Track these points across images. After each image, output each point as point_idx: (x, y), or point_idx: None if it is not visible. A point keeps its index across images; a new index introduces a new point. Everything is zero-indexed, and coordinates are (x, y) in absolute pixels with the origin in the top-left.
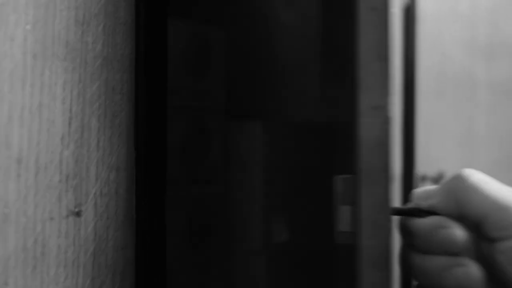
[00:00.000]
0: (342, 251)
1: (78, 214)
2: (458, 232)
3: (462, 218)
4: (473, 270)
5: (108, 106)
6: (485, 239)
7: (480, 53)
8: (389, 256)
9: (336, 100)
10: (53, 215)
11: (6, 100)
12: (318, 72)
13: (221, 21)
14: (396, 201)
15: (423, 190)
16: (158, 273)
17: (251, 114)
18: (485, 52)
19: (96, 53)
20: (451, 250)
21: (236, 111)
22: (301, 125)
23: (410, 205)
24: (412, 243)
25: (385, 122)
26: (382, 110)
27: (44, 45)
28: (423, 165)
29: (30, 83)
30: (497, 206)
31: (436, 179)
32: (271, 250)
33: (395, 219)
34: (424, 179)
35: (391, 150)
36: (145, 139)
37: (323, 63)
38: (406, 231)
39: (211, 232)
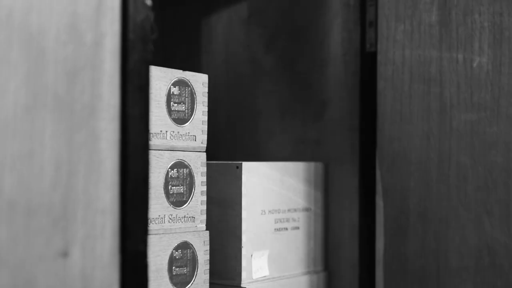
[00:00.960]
0: None
1: (66, 255)
2: None
3: None
4: None
5: (94, 153)
6: None
7: None
8: None
9: None
10: (43, 256)
11: None
12: None
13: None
14: None
15: None
16: None
17: None
18: None
19: (83, 103)
20: None
21: None
22: None
23: None
24: None
25: None
26: None
27: (34, 97)
28: None
29: (21, 133)
30: None
31: None
32: None
33: None
34: None
35: None
36: (130, 183)
37: None
38: None
39: None
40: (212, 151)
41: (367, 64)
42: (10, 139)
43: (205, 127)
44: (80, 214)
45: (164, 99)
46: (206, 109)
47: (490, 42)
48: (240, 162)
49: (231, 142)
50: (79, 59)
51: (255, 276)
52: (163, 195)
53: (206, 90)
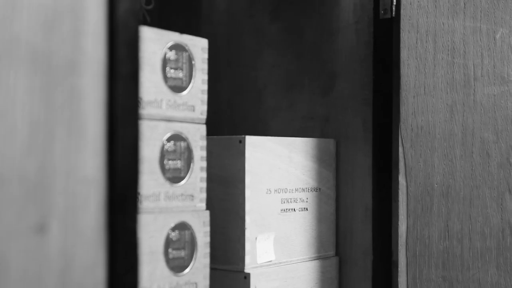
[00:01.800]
0: None
1: (42, 230)
2: None
3: None
4: None
5: (76, 114)
6: None
7: None
8: None
9: None
10: (14, 231)
11: None
12: None
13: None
14: None
15: None
16: None
17: None
18: None
19: (63, 57)
20: None
21: None
22: None
23: None
24: None
25: None
26: None
27: (5, 47)
28: None
29: None
30: None
31: None
32: None
33: None
34: None
35: None
36: (118, 150)
37: None
38: None
39: None
40: (214, 129)
41: (381, 32)
42: None
43: (205, 96)
44: (59, 183)
45: (159, 64)
46: (206, 77)
47: None
48: (244, 136)
49: (234, 118)
50: (58, 6)
51: (260, 260)
52: (158, 169)
53: (206, 56)
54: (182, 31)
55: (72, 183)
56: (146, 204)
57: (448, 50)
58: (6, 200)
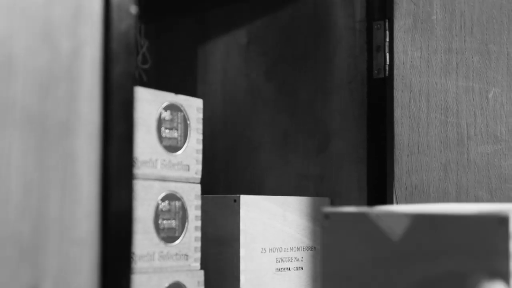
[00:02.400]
0: None
1: None
2: None
3: None
4: None
5: (69, 176)
6: None
7: None
8: None
9: None
10: None
11: None
12: None
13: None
14: None
15: None
16: None
17: None
18: None
19: (58, 120)
20: None
21: None
22: None
23: None
24: None
25: None
26: None
27: (0, 110)
28: None
29: None
30: None
31: None
32: None
33: None
34: None
35: None
36: (112, 211)
37: None
38: None
39: None
40: (208, 187)
41: (375, 91)
42: None
43: (200, 156)
44: (53, 245)
45: (155, 124)
46: (200, 136)
47: (504, 73)
48: (238, 195)
49: (229, 176)
50: (54, 70)
51: None
52: (153, 229)
53: (201, 116)
54: (178, 90)
55: (65, 245)
56: (140, 264)
57: (441, 109)
58: (0, 260)
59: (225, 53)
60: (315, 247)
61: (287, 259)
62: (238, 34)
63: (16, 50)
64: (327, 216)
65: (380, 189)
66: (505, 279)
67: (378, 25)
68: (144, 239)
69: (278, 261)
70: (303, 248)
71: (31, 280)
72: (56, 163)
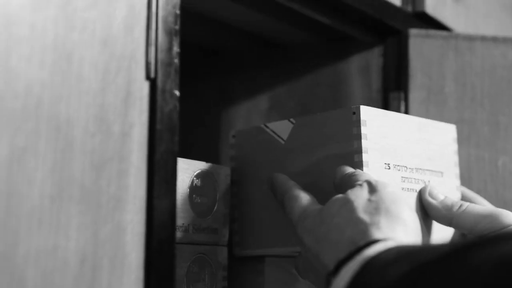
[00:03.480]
0: None
1: None
2: None
3: None
4: None
5: (119, 247)
6: None
7: None
8: None
9: None
10: None
11: (22, 242)
12: None
13: None
14: None
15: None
16: None
17: None
18: None
19: (110, 195)
20: None
21: None
22: None
23: None
24: None
25: None
26: None
27: (61, 188)
28: None
29: (46, 225)
30: None
31: None
32: None
33: None
34: None
35: None
36: (154, 279)
37: None
38: None
39: None
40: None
41: None
42: (35, 232)
43: (227, 220)
44: None
45: (187, 191)
46: (228, 201)
47: None
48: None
49: None
50: (107, 150)
51: None
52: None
53: (229, 182)
54: (202, 153)
55: None
56: None
57: None
58: None
59: (247, 117)
60: None
61: None
62: (260, 99)
63: (75, 133)
64: (234, 136)
65: None
66: (359, 153)
67: (394, 95)
68: None
69: None
70: None
71: None
72: (108, 235)
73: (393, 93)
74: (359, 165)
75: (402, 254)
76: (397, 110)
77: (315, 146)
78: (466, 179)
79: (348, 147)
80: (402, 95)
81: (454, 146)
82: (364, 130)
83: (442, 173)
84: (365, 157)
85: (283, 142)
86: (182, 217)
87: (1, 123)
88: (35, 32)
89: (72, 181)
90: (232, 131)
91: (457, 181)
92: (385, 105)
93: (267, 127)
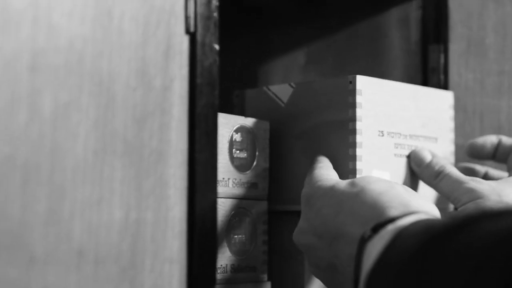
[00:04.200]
0: None
1: None
2: None
3: None
4: None
5: (162, 200)
6: None
7: None
8: None
9: None
10: None
11: (68, 196)
12: None
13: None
14: None
15: None
16: None
17: None
18: None
19: (152, 149)
20: None
21: None
22: None
23: None
24: None
25: None
26: None
27: (104, 142)
28: None
29: (90, 179)
30: None
31: None
32: None
33: None
34: None
35: None
36: (198, 232)
37: None
38: None
39: None
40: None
41: None
42: (80, 186)
43: (267, 174)
44: (148, 263)
45: (227, 146)
46: (268, 156)
47: None
48: None
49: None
50: (148, 104)
51: None
52: (225, 244)
53: (268, 136)
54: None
55: (159, 263)
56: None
57: (494, 129)
58: (104, 277)
59: (284, 73)
60: None
61: None
62: (297, 55)
63: (117, 88)
64: (237, 96)
65: None
66: (353, 121)
67: (433, 47)
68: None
69: None
70: None
71: None
72: (151, 188)
73: (432, 46)
74: (352, 132)
75: (423, 227)
76: (437, 62)
77: (312, 112)
78: (506, 131)
79: (343, 115)
80: (442, 47)
81: (450, 112)
82: (359, 99)
83: (436, 139)
84: (358, 125)
85: (283, 105)
86: (222, 172)
87: (45, 79)
88: None
89: (115, 135)
90: (236, 91)
91: (451, 146)
92: (424, 57)
93: (269, 89)
